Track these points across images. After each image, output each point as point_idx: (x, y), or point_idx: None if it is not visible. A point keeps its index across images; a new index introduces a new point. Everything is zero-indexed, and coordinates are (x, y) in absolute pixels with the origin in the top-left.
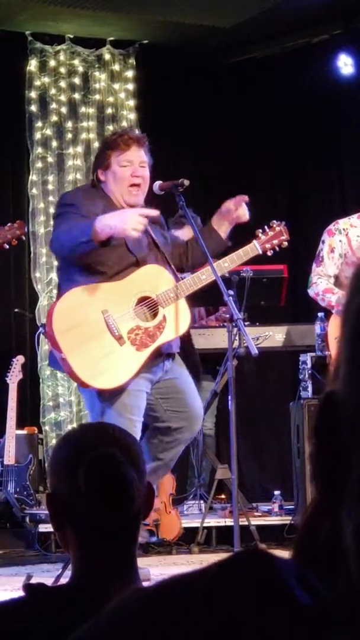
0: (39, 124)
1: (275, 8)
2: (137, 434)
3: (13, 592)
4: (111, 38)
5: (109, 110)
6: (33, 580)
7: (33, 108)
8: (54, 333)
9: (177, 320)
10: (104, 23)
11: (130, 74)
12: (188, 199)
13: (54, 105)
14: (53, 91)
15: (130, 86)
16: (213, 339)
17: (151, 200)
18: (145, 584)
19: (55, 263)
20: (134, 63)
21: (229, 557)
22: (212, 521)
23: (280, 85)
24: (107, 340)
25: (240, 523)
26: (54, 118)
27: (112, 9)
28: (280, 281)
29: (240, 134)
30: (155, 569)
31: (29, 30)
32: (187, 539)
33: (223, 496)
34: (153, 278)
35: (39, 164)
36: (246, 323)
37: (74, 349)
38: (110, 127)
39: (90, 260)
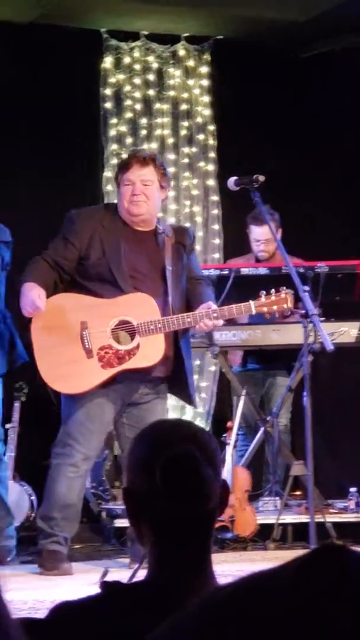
0: (114, 120)
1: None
2: (94, 443)
3: (89, 587)
4: (186, 34)
5: (184, 107)
6: (109, 576)
7: (108, 105)
8: (32, 328)
9: (150, 351)
10: (179, 19)
11: (204, 69)
12: (264, 196)
13: (128, 102)
14: (128, 88)
15: (205, 82)
16: (288, 334)
17: (228, 195)
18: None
19: None
20: (209, 59)
21: (309, 553)
22: (288, 518)
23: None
24: (77, 349)
25: (316, 520)
26: (129, 115)
27: (187, 4)
28: (354, 277)
29: (317, 129)
30: (231, 565)
31: (104, 27)
32: (263, 536)
33: (298, 493)
34: (140, 306)
35: (114, 161)
36: (321, 319)
37: (43, 347)
38: (185, 123)
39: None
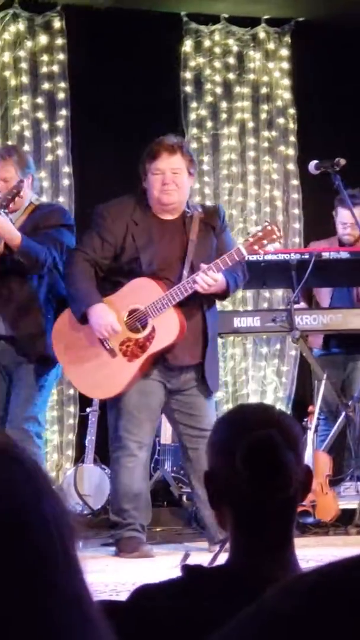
0: (194, 104)
1: None
2: (145, 430)
3: (170, 570)
4: (266, 16)
5: (264, 90)
6: (189, 560)
7: (188, 89)
8: (55, 351)
9: (166, 329)
10: (259, 1)
11: (285, 52)
12: (347, 179)
13: (208, 86)
14: (208, 71)
15: (285, 65)
16: None
17: (309, 179)
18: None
19: None
20: (289, 41)
21: None
22: None
23: None
24: (100, 354)
25: None
26: (209, 98)
27: None
28: None
29: None
30: (312, 550)
31: (184, 10)
32: (344, 521)
33: None
34: (142, 290)
35: (194, 145)
36: None
37: (70, 367)
38: (265, 107)
39: (112, 275)
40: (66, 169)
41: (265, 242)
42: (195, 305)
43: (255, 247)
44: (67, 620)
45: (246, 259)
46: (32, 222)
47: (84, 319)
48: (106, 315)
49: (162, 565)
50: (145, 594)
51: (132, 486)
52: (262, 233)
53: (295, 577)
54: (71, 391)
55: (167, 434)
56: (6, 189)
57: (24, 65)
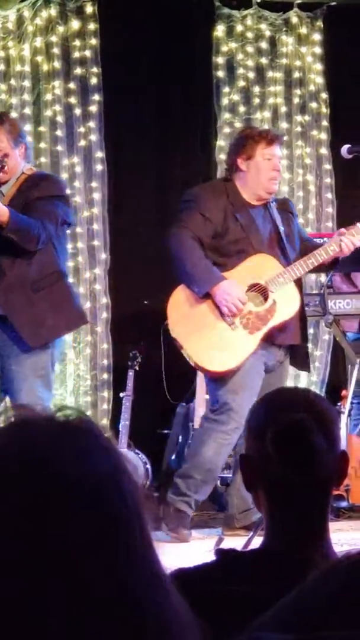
0: (226, 89)
1: None
2: (246, 412)
3: (204, 554)
4: (299, 1)
5: (296, 75)
6: (223, 544)
7: (220, 74)
8: (169, 321)
9: (286, 304)
10: None
11: (317, 37)
12: None
13: (241, 71)
14: (240, 56)
15: (318, 50)
16: None
17: (342, 163)
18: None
19: None
20: (322, 26)
21: None
22: None
23: None
24: (220, 326)
25: None
26: (241, 83)
27: None
28: None
29: None
30: (346, 534)
31: None
32: None
33: None
34: (261, 265)
35: (227, 130)
36: None
37: (188, 337)
38: (298, 92)
39: (212, 254)
40: (99, 154)
41: None
42: (297, 287)
43: None
44: (148, 596)
45: None
46: (23, 193)
47: (206, 296)
48: (234, 290)
49: (196, 549)
50: (180, 579)
51: (212, 461)
52: None
53: (332, 563)
54: (105, 375)
55: (200, 419)
56: None
57: (56, 50)
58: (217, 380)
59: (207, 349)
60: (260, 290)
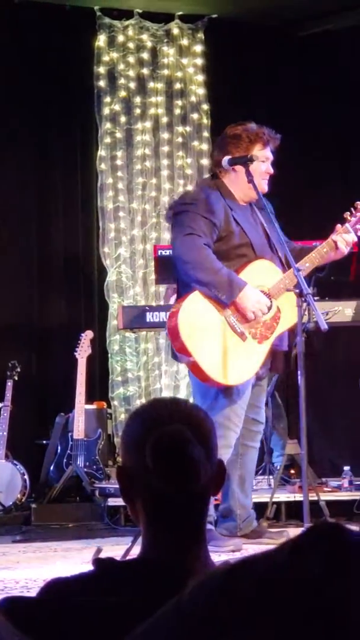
0: (108, 99)
1: None
2: (242, 422)
3: (82, 566)
4: (180, 12)
5: (177, 86)
6: (102, 554)
7: (101, 83)
8: (181, 338)
9: (289, 310)
10: None
11: (198, 48)
12: None
13: (122, 81)
14: (121, 66)
15: (199, 61)
16: None
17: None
18: (236, 554)
19: (124, 238)
20: (203, 38)
21: (307, 530)
22: (282, 496)
23: (355, 58)
24: (230, 338)
25: (310, 498)
26: (123, 93)
27: None
28: (350, 256)
29: (312, 108)
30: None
31: (98, 5)
32: (257, 514)
33: (292, 471)
34: (265, 272)
35: (108, 140)
36: (315, 298)
37: (201, 351)
38: (179, 102)
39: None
40: None
41: None
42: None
43: (358, 226)
44: None
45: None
46: None
47: (229, 300)
48: (260, 296)
49: (74, 560)
50: (56, 589)
51: None
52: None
53: (210, 571)
54: None
55: (79, 429)
56: None
57: None
58: (213, 391)
59: (219, 363)
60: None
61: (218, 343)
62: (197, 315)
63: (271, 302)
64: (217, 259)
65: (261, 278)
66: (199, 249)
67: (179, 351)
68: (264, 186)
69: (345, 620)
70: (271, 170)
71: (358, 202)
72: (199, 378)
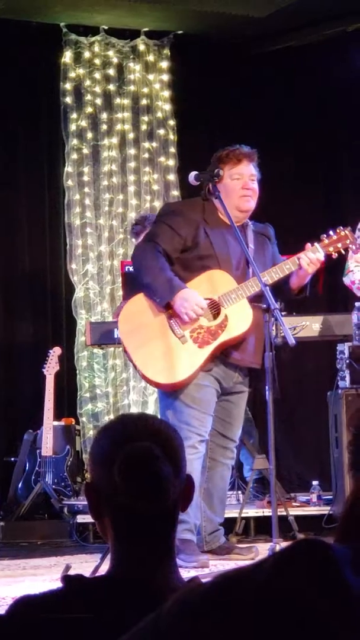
0: (74, 115)
1: None
2: (206, 425)
3: (51, 583)
4: (145, 29)
5: (144, 101)
6: (71, 571)
7: (68, 100)
8: (120, 334)
9: (239, 318)
10: (138, 14)
11: (165, 64)
12: None
13: (88, 97)
14: (88, 82)
15: (165, 77)
16: None
17: (189, 190)
18: (204, 570)
19: (91, 255)
20: (169, 54)
21: (287, 548)
22: (251, 511)
23: (317, 74)
24: (170, 339)
25: (279, 513)
26: (89, 109)
27: None
28: (317, 271)
29: (277, 123)
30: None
31: (64, 21)
32: (225, 529)
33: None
34: (216, 281)
35: (74, 156)
36: (283, 313)
37: (137, 349)
38: (145, 118)
39: (178, 268)
40: None
41: (339, 245)
42: (261, 311)
43: (331, 249)
44: None
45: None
46: None
47: (168, 306)
48: (192, 296)
49: (43, 577)
50: (25, 606)
51: None
52: (337, 237)
53: (190, 586)
54: None
55: (48, 446)
56: None
57: None
58: (167, 398)
59: (155, 361)
60: (213, 306)
61: (155, 342)
62: (135, 315)
63: (220, 310)
64: (179, 268)
65: (214, 287)
66: (148, 253)
67: (124, 352)
68: (245, 204)
69: (331, 638)
70: (250, 186)
71: (341, 229)
72: (139, 375)
